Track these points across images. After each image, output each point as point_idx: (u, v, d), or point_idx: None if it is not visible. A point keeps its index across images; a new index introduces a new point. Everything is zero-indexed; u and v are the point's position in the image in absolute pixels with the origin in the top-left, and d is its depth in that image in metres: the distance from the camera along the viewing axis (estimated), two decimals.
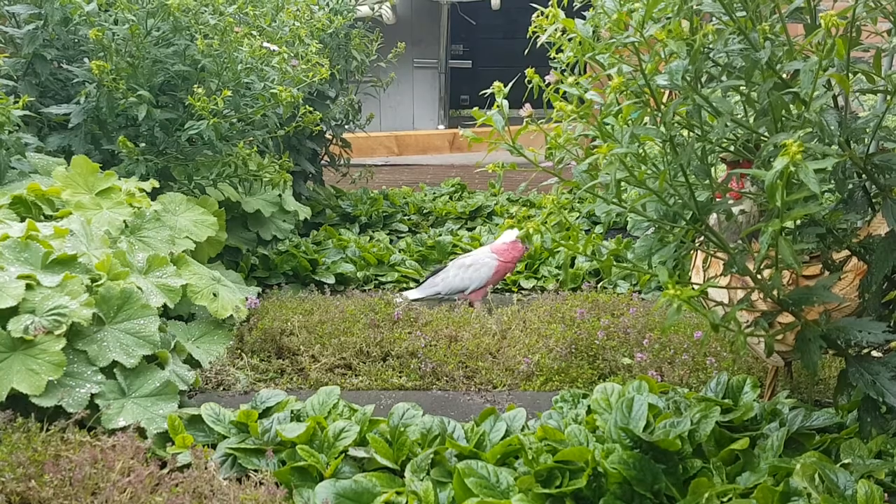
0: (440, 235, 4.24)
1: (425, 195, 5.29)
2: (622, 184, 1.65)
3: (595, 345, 2.79)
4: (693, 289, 1.49)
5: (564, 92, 1.72)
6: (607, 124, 1.56)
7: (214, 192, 3.52)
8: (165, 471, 2.02)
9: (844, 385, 1.93)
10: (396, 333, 2.95)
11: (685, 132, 1.75)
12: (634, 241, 3.60)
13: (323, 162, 5.09)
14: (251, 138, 3.46)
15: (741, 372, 2.49)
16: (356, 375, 2.75)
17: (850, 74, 1.61)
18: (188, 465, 2.04)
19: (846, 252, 1.98)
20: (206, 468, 1.98)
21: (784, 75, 1.65)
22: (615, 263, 1.93)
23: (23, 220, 2.66)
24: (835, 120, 1.67)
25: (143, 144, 3.27)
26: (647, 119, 1.65)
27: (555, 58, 1.73)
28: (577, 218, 4.54)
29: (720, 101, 1.56)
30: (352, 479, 1.94)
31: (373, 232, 4.54)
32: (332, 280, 3.69)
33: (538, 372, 2.72)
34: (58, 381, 2.20)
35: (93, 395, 2.25)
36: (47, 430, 2.11)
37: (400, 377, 2.73)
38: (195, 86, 3.04)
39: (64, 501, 1.86)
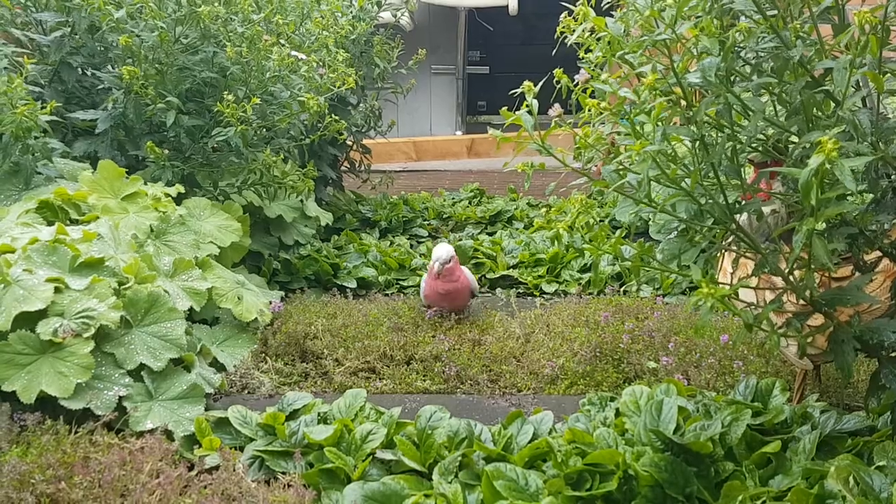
0: (461, 240, 4.23)
1: (444, 200, 5.28)
2: (650, 184, 1.65)
3: (620, 348, 2.77)
4: (727, 289, 1.48)
5: (593, 92, 1.72)
6: (639, 122, 1.55)
7: (238, 198, 3.54)
8: (193, 473, 2.03)
9: (876, 388, 1.91)
10: (420, 337, 2.95)
11: (714, 132, 1.74)
12: (657, 245, 3.59)
13: (343, 168, 5.10)
14: (277, 146, 3.47)
15: (769, 375, 2.46)
16: (380, 379, 2.75)
17: (881, 74, 1.60)
18: (216, 468, 2.05)
19: (877, 253, 1.97)
20: (234, 470, 1.99)
21: (815, 74, 1.64)
22: (641, 264, 1.92)
23: (50, 224, 2.69)
24: (867, 119, 1.65)
25: (168, 151, 3.29)
26: (676, 118, 1.65)
27: (583, 58, 1.73)
28: (600, 221, 4.52)
29: (752, 99, 1.55)
30: (380, 481, 1.94)
31: (393, 237, 4.54)
32: (353, 284, 3.69)
33: (563, 376, 2.71)
34: (86, 383, 2.21)
35: (120, 398, 2.26)
36: (76, 432, 2.12)
37: (424, 381, 2.72)
38: (225, 92, 3.06)
39: (94, 503, 1.87)
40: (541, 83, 1.66)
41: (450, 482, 1.95)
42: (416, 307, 3.28)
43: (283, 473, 2.03)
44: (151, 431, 2.18)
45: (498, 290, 3.74)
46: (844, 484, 1.69)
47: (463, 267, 3.25)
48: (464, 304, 3.20)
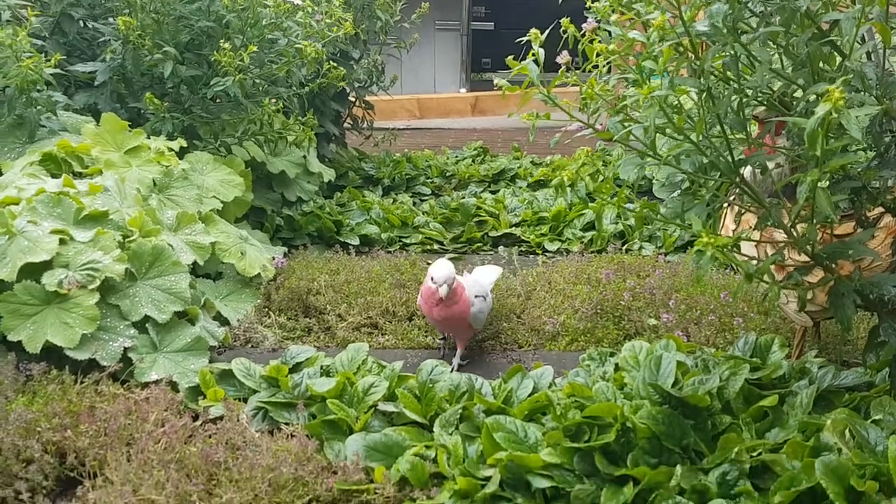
0: (463, 198, 4.23)
1: (448, 158, 5.27)
2: (655, 142, 1.64)
3: (621, 306, 2.79)
4: (727, 238, 1.48)
5: (599, 42, 1.70)
6: (646, 69, 1.53)
7: (240, 151, 3.53)
8: (198, 423, 2.05)
9: (874, 344, 1.93)
10: None
11: (721, 85, 1.73)
12: (660, 203, 3.58)
13: (346, 125, 5.08)
14: (276, 96, 3.45)
15: (769, 332, 2.48)
16: (382, 334, 2.77)
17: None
18: (220, 418, 2.07)
19: (879, 210, 1.97)
20: (238, 420, 2.01)
21: (822, 26, 1.62)
22: (651, 216, 1.91)
23: (53, 176, 2.69)
24: (873, 72, 1.64)
25: (168, 103, 3.28)
26: (683, 71, 1.64)
27: (590, 7, 1.71)
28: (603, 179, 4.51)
29: (759, 50, 1.54)
30: (381, 432, 1.96)
31: (396, 194, 4.54)
32: (356, 241, 3.71)
33: (563, 332, 2.72)
34: (91, 334, 2.23)
35: (126, 349, 2.28)
36: (81, 382, 2.15)
37: (426, 336, 2.74)
38: (221, 41, 3.04)
39: (100, 451, 1.89)
40: (547, 31, 1.64)
41: (450, 434, 1.97)
42: (419, 264, 3.29)
43: (287, 424, 2.06)
44: (156, 382, 2.20)
45: (500, 248, 3.75)
46: (840, 437, 1.70)
47: (479, 289, 2.58)
48: (466, 332, 2.56)
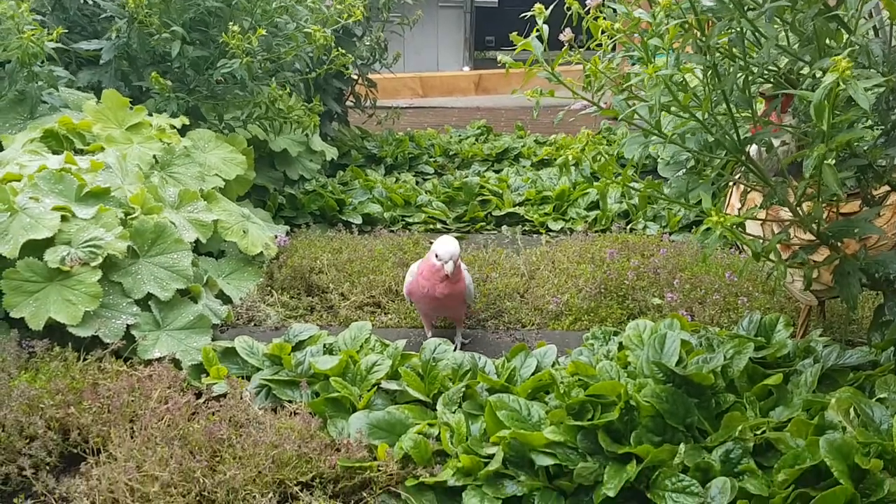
0: (467, 177, 4.22)
1: (451, 137, 5.25)
2: (660, 121, 1.62)
3: (625, 285, 2.78)
4: (737, 217, 1.47)
5: (603, 20, 1.68)
6: (652, 47, 1.52)
7: (243, 132, 3.51)
8: (201, 400, 2.06)
9: (879, 323, 1.92)
10: None
11: (726, 62, 1.71)
12: (665, 183, 3.56)
13: (349, 103, 5.04)
14: (282, 79, 3.43)
15: (773, 311, 2.47)
16: (385, 313, 2.76)
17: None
18: (223, 395, 2.08)
19: (885, 188, 1.95)
20: (241, 398, 2.01)
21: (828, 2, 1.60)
22: (655, 194, 1.89)
23: (55, 153, 2.68)
24: (879, 48, 1.62)
25: (173, 82, 3.25)
26: (688, 48, 1.62)
27: None
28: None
29: (765, 26, 1.52)
30: (385, 410, 1.96)
31: (399, 173, 4.52)
32: (359, 220, 3.70)
33: (567, 311, 2.72)
34: (94, 311, 2.23)
35: (128, 327, 2.28)
36: (84, 359, 2.15)
37: None
38: (230, 23, 3.01)
39: (103, 428, 1.90)
40: (551, 7, 1.62)
41: (453, 412, 1.97)
42: (422, 243, 3.28)
43: (290, 402, 2.06)
44: (159, 360, 2.20)
45: (504, 228, 3.74)
46: (845, 415, 1.70)
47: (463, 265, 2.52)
48: (462, 310, 2.55)
